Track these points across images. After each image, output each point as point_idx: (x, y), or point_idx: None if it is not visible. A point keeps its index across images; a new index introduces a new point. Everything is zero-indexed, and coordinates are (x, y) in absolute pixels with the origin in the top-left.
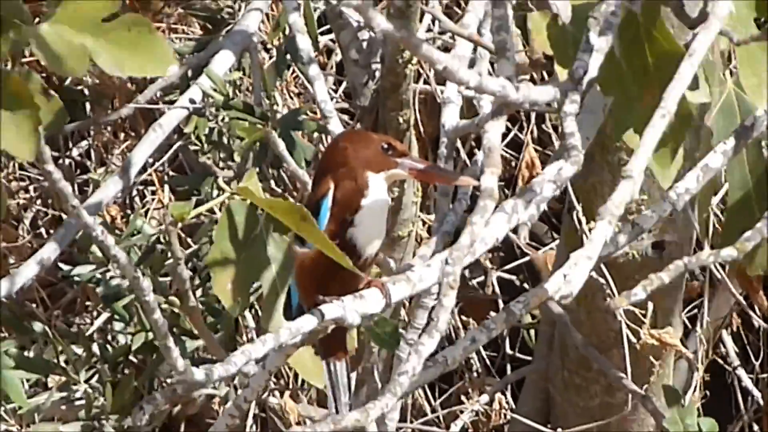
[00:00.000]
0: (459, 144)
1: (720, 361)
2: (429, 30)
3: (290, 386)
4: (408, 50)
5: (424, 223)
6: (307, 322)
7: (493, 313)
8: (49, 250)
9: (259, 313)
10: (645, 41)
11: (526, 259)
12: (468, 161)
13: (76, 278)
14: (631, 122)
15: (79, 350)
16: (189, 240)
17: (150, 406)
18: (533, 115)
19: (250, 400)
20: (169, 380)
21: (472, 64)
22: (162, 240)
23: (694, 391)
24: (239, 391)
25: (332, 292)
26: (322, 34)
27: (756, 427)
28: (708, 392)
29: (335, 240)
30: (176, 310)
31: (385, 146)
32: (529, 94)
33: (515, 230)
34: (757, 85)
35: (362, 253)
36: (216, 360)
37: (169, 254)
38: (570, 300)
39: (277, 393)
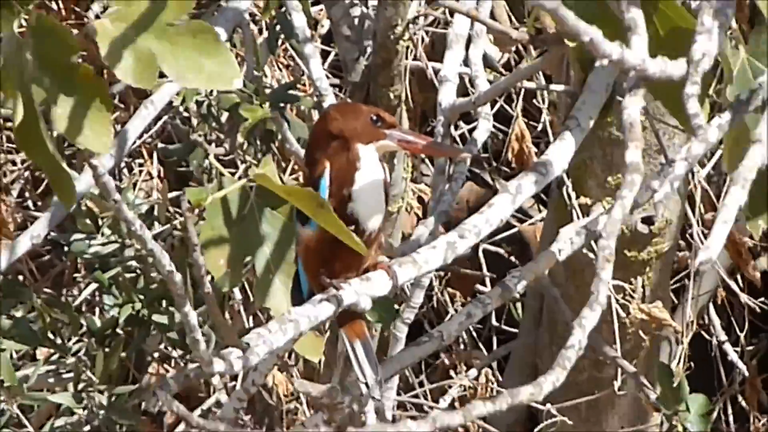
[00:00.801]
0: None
1: (705, 335)
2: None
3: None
4: (555, 22)
5: (413, 192)
6: (324, 310)
7: (480, 287)
8: (40, 227)
9: (247, 288)
10: (653, 14)
11: (515, 230)
12: (459, 140)
13: (69, 248)
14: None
15: (66, 321)
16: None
17: (163, 392)
18: (522, 91)
19: (258, 383)
20: (155, 354)
21: (469, 41)
22: (152, 212)
23: (678, 362)
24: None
25: (337, 272)
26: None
27: (741, 399)
28: (692, 365)
29: (339, 217)
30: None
31: (374, 118)
32: (666, 68)
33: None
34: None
35: (365, 227)
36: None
37: (160, 226)
38: (708, 266)
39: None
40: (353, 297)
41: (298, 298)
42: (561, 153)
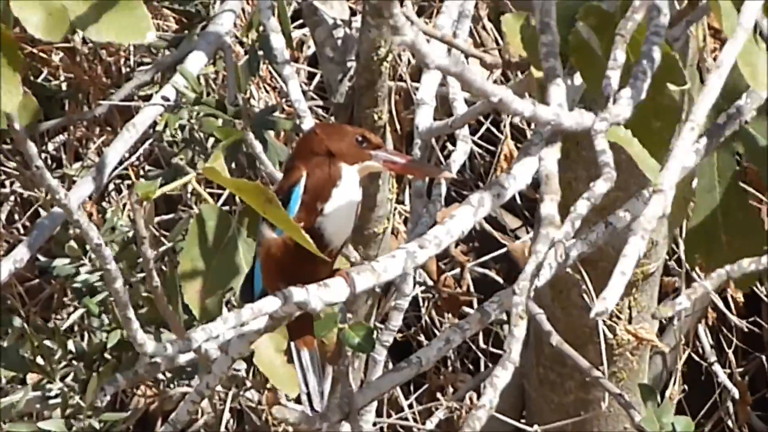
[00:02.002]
0: (434, 142)
1: (695, 356)
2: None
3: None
4: (462, 85)
5: (400, 214)
6: (269, 303)
7: (467, 309)
8: (23, 251)
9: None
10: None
11: (503, 250)
12: (443, 160)
13: (54, 272)
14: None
15: (55, 347)
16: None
17: (111, 387)
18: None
19: (212, 386)
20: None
21: None
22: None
23: (674, 385)
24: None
25: (297, 281)
26: (295, 28)
27: (731, 422)
28: (686, 386)
29: (304, 227)
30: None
31: (360, 138)
32: (582, 121)
33: (492, 223)
34: (752, 73)
35: (329, 243)
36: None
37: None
38: (605, 316)
39: (252, 390)
40: (303, 295)
41: (249, 296)
42: (524, 168)
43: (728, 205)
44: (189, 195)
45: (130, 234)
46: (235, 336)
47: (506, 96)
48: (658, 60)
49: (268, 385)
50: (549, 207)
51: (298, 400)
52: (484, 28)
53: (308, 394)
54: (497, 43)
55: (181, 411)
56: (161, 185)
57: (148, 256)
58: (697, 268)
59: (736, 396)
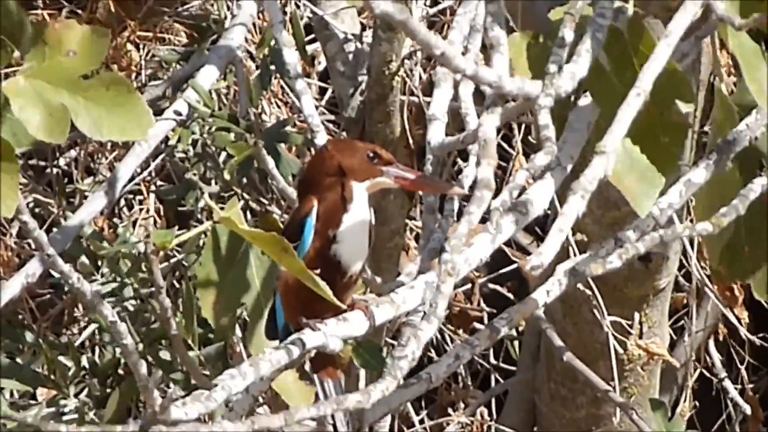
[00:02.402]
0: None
1: (706, 372)
2: None
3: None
4: (406, 34)
5: (411, 230)
6: (287, 354)
7: (477, 325)
8: (35, 266)
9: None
10: (633, 56)
11: (514, 266)
12: (454, 177)
13: (66, 288)
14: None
15: (68, 362)
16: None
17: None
18: (522, 126)
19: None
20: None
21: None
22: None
23: (684, 401)
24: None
25: (317, 311)
26: (306, 42)
27: None
28: (697, 402)
29: (321, 256)
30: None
31: (371, 155)
32: (523, 87)
33: None
34: (759, 90)
35: (347, 269)
36: (197, 387)
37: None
38: (540, 272)
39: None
40: (320, 339)
41: (273, 332)
42: (541, 193)
43: (752, 218)
44: (201, 210)
45: (142, 249)
46: None
47: (449, 50)
48: (603, 40)
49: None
50: (485, 170)
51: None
52: None
53: (334, 426)
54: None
55: None
56: (174, 200)
57: (166, 305)
58: (706, 279)
59: (748, 412)
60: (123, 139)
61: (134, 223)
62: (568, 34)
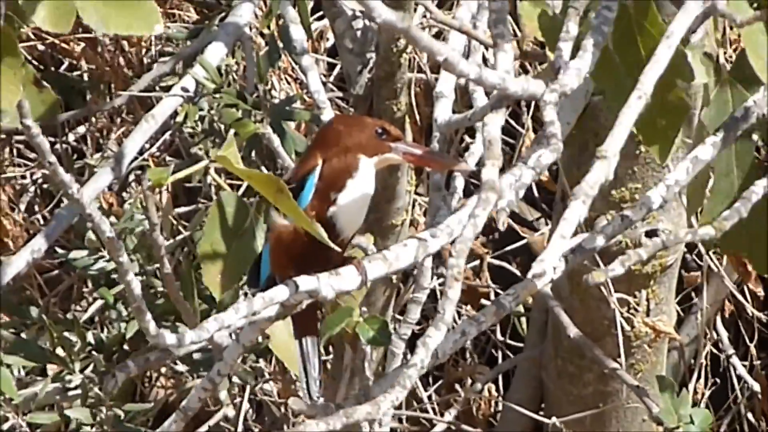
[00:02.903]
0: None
1: (713, 349)
2: (423, 17)
3: (286, 372)
4: (408, 42)
5: (420, 206)
6: (280, 292)
7: (485, 301)
8: (40, 242)
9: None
10: (637, 34)
11: (523, 242)
12: (461, 154)
13: (72, 264)
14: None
15: (73, 338)
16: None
17: (122, 373)
18: (532, 103)
19: (223, 373)
20: (162, 369)
21: (465, 56)
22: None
23: (698, 380)
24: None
25: (308, 268)
26: (315, 19)
27: (750, 415)
28: (713, 381)
29: (317, 216)
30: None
31: (380, 130)
32: (528, 87)
33: (511, 215)
34: (763, 67)
35: (341, 233)
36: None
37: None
38: (546, 280)
39: (271, 381)
40: (313, 283)
41: (255, 282)
42: (541, 159)
43: (747, 189)
44: (209, 186)
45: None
46: (247, 324)
47: (452, 56)
48: (608, 33)
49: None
50: (490, 172)
51: None
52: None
53: (307, 383)
54: (515, 35)
55: (192, 398)
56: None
57: (160, 242)
58: (713, 257)
59: (756, 388)
60: (129, 32)
61: (142, 199)
62: (572, 27)
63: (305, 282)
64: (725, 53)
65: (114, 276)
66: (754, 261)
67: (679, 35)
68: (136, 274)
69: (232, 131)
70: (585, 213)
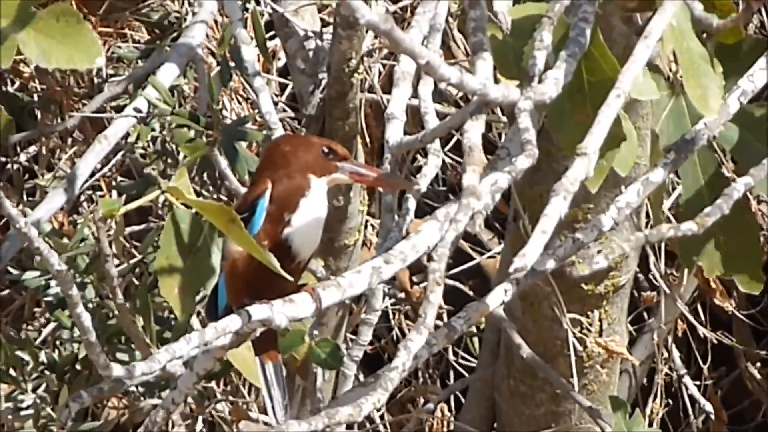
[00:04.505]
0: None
1: (666, 369)
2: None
3: (238, 393)
4: (390, 44)
5: (373, 227)
6: (232, 322)
7: (438, 322)
8: None
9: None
10: (582, 58)
11: (474, 263)
12: (413, 174)
13: (24, 284)
14: (564, 138)
15: (26, 357)
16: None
17: (76, 404)
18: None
19: (177, 402)
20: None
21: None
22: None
23: (654, 400)
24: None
25: (263, 295)
26: (266, 39)
27: None
28: (664, 402)
29: (270, 240)
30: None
31: (326, 150)
32: (508, 94)
33: (464, 235)
34: (702, 96)
35: (296, 255)
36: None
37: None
38: (522, 274)
39: (224, 401)
40: (266, 313)
41: (214, 313)
42: (503, 181)
43: (714, 194)
44: (160, 206)
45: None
46: (200, 352)
47: (433, 60)
48: (586, 44)
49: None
50: (471, 178)
51: (265, 412)
52: (454, 40)
53: (273, 408)
54: (467, 56)
55: (147, 427)
56: (133, 197)
57: (112, 273)
58: (662, 279)
59: (708, 409)
60: (70, 66)
61: (93, 220)
62: (546, 36)
63: (258, 311)
64: (678, 66)
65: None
66: (738, 278)
67: (657, 35)
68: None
69: (182, 156)
70: (566, 209)
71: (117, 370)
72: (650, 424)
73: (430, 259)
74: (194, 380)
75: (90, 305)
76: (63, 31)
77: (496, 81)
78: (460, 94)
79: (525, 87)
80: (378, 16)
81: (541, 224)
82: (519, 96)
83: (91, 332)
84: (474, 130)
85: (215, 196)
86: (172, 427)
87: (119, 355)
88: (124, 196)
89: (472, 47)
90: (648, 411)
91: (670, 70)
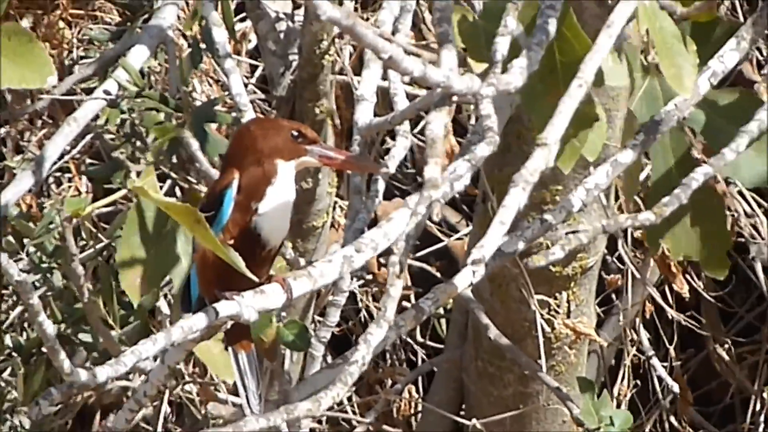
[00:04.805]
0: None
1: (634, 351)
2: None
3: (206, 374)
4: (353, 39)
5: (341, 208)
6: (199, 321)
7: (405, 303)
8: None
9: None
10: (555, 39)
11: (442, 245)
12: (382, 156)
13: None
14: (537, 119)
15: None
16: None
17: (46, 401)
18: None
19: (149, 394)
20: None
21: None
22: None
23: (621, 381)
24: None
25: (234, 286)
26: (237, 21)
27: (673, 417)
28: (635, 383)
29: (240, 229)
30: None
31: (296, 133)
32: (473, 85)
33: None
34: (676, 75)
35: (267, 243)
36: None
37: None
38: (481, 266)
39: (192, 382)
40: (234, 309)
41: (187, 305)
42: (463, 169)
43: (684, 175)
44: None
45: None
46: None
47: (396, 53)
48: (553, 32)
49: (205, 379)
50: (432, 170)
51: (235, 393)
52: (424, 22)
53: (247, 398)
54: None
55: (119, 418)
56: (102, 179)
57: (79, 272)
58: (631, 260)
59: (675, 390)
60: (22, 86)
61: (63, 202)
62: (510, 22)
63: (225, 307)
64: (651, 47)
65: (34, 280)
66: (704, 262)
67: (620, 25)
68: (50, 281)
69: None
70: (525, 200)
71: (82, 375)
72: (618, 406)
73: (389, 252)
74: (166, 372)
75: (55, 289)
76: (15, 50)
77: (463, 64)
78: None
79: (489, 74)
80: (340, 11)
81: (499, 215)
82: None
83: (55, 340)
84: (437, 122)
85: (188, 179)
86: (140, 408)
87: (82, 336)
88: (90, 196)
89: (437, 38)
90: (616, 392)
91: (643, 52)
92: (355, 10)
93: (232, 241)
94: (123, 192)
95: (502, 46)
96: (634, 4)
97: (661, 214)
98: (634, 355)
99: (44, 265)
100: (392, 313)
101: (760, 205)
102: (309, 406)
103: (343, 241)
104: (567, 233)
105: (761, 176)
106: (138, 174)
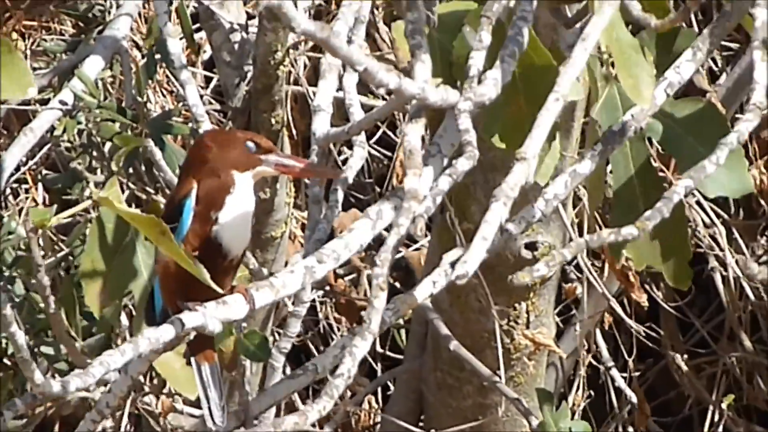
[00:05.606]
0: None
1: (593, 361)
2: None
3: (165, 386)
4: (328, 51)
5: (298, 220)
6: (166, 332)
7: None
8: None
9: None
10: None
11: (399, 255)
12: (340, 165)
13: None
14: (497, 129)
15: None
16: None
17: (10, 412)
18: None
19: (112, 405)
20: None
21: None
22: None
23: (577, 391)
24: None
25: (196, 296)
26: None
27: (630, 428)
28: (592, 392)
29: (200, 239)
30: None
31: (251, 144)
32: (447, 97)
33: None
34: (634, 85)
35: (228, 252)
36: (76, 367)
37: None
38: (465, 281)
39: (152, 394)
40: (199, 320)
41: (151, 317)
42: (421, 180)
43: (650, 197)
44: (86, 200)
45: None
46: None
47: (371, 66)
48: (526, 44)
49: (165, 391)
50: (412, 181)
51: (194, 405)
52: (378, 32)
53: (210, 409)
54: (391, 47)
55: (80, 429)
56: (59, 190)
57: (45, 283)
58: (591, 270)
59: (634, 400)
60: (4, 97)
61: (20, 212)
62: (485, 36)
63: (191, 319)
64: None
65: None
66: (667, 273)
67: (595, 38)
68: (12, 290)
69: (111, 145)
70: (506, 214)
71: (53, 386)
72: (573, 416)
73: (373, 264)
74: (129, 383)
75: (17, 300)
76: None
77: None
78: None
79: (465, 89)
80: (314, 25)
81: (481, 231)
82: (458, 98)
83: (26, 350)
84: (414, 133)
85: (146, 189)
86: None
87: (44, 348)
88: (54, 207)
89: (410, 50)
90: (571, 402)
91: (601, 61)
92: None
93: (195, 252)
94: (87, 203)
95: (477, 60)
96: (608, 17)
97: (644, 228)
98: (593, 366)
99: (5, 275)
100: (377, 325)
101: (718, 216)
102: (296, 419)
103: (304, 251)
104: (526, 244)
105: (723, 187)
106: (96, 185)
